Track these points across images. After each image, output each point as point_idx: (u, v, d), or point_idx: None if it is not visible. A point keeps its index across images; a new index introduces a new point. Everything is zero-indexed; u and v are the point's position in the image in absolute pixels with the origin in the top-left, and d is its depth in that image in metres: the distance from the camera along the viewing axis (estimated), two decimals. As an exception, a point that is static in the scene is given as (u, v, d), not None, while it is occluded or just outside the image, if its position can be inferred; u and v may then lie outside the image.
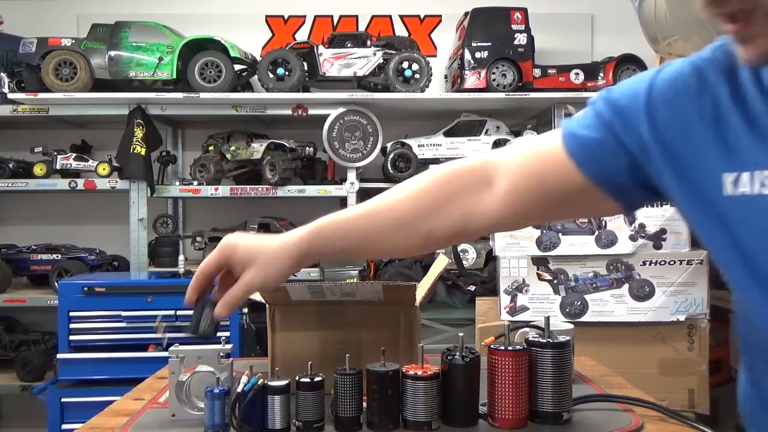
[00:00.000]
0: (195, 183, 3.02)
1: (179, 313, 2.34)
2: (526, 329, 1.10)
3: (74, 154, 3.03)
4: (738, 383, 0.82)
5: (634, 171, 0.80)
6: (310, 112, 2.95)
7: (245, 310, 2.54)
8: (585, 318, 2.27)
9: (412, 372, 1.01)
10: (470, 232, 0.94)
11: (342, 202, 3.05)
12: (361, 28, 3.40)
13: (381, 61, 2.95)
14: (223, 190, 2.96)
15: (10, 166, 2.99)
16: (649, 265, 2.26)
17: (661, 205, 2.18)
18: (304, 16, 3.43)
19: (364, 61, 2.96)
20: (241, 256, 0.95)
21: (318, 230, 0.96)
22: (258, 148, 3.03)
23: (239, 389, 0.98)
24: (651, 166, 0.78)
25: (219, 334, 1.03)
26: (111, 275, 2.91)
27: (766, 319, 0.67)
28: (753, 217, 0.66)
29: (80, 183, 2.94)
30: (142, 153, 2.87)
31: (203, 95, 2.86)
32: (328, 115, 2.93)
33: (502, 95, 2.92)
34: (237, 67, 2.95)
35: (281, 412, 1.00)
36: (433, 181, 0.95)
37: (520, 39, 2.95)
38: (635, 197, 0.83)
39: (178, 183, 3.13)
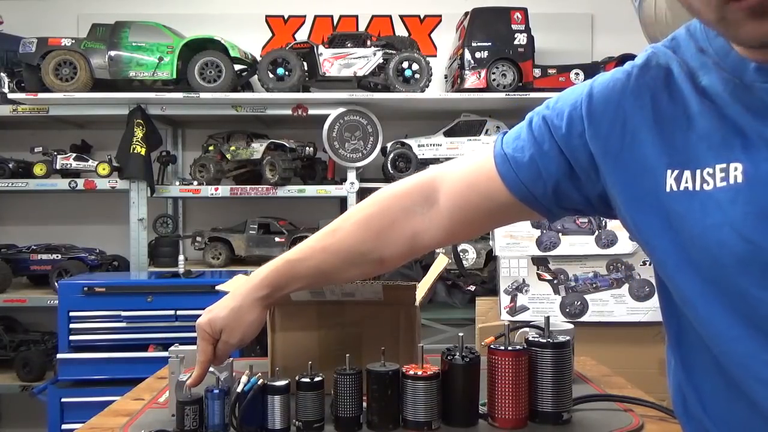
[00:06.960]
0: (195, 183, 3.02)
1: (179, 313, 2.34)
2: (526, 329, 1.10)
3: (74, 154, 3.03)
4: (669, 381, 0.81)
5: (563, 189, 0.84)
6: (310, 112, 2.95)
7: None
8: (585, 318, 2.27)
9: (412, 372, 1.01)
10: (419, 250, 1.00)
11: (342, 202, 3.05)
12: (361, 28, 3.40)
13: (381, 61, 2.95)
14: (223, 190, 2.95)
15: (10, 166, 2.98)
16: (649, 265, 2.26)
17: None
18: (304, 16, 3.42)
19: (364, 61, 2.95)
20: (220, 327, 1.01)
21: (275, 270, 1.02)
22: (258, 148, 3.02)
23: (239, 389, 0.98)
24: (595, 172, 0.80)
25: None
26: (111, 275, 2.91)
27: (703, 308, 0.68)
28: (693, 210, 0.68)
29: (80, 183, 2.94)
30: (142, 153, 2.87)
31: (203, 95, 2.86)
32: (328, 115, 2.93)
33: (502, 95, 2.92)
34: (237, 67, 2.95)
35: (281, 412, 1.00)
36: (378, 207, 1.00)
37: (520, 39, 2.95)
38: (558, 214, 0.89)
39: (178, 183, 3.13)
